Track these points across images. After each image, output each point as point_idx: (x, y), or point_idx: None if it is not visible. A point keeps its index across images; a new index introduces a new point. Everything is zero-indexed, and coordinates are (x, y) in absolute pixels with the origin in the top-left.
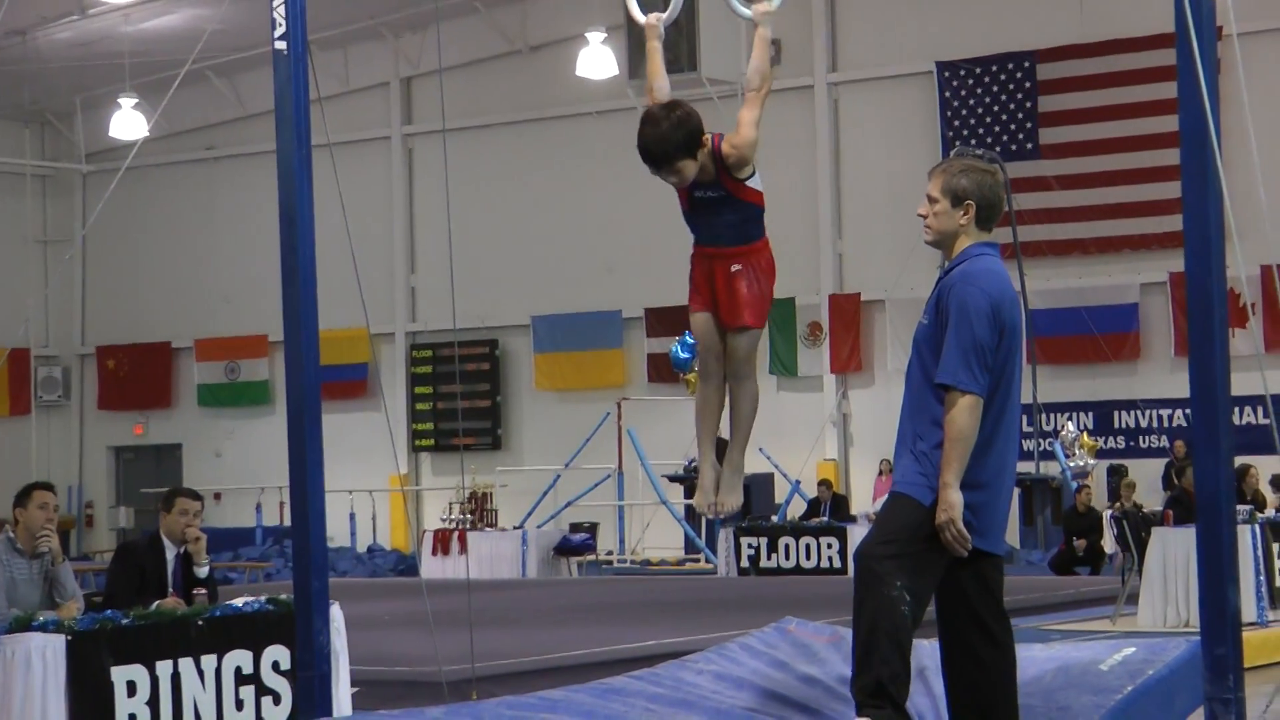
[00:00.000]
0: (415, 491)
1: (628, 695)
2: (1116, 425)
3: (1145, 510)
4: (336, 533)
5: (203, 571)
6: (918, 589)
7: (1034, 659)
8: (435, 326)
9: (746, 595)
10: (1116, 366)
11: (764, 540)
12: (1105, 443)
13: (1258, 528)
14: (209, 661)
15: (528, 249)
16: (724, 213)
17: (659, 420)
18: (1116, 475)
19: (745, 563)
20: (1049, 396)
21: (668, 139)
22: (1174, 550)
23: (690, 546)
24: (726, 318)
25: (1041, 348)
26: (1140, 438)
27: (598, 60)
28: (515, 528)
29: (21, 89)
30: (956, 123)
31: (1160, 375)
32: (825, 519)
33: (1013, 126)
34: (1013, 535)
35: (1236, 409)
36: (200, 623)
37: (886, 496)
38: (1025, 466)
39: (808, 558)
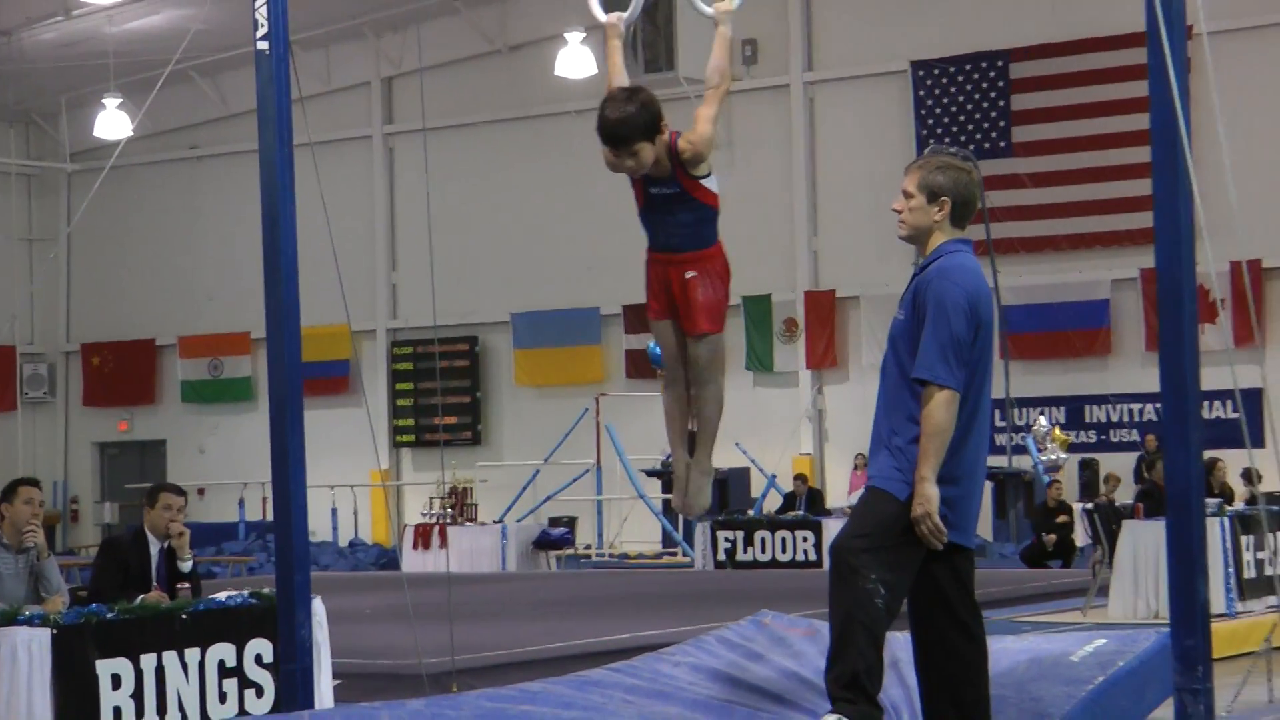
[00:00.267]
0: (396, 486)
1: (606, 687)
2: (1088, 420)
3: (1116, 503)
4: (318, 527)
5: (186, 566)
6: (893, 582)
7: (1006, 650)
8: (416, 323)
9: (723, 589)
10: (1088, 362)
11: (740, 534)
12: (1077, 437)
13: (1227, 520)
14: (193, 655)
15: (507, 246)
16: (678, 212)
17: (637, 416)
18: (1088, 469)
19: (722, 556)
20: (1021, 391)
21: (631, 120)
22: (1144, 543)
23: (668, 540)
24: (685, 325)
25: (1014, 343)
26: (1111, 432)
27: (576, 60)
28: (495, 522)
29: (7, 89)
30: (931, 121)
31: (1131, 370)
32: (801, 513)
33: (986, 125)
34: (985, 528)
35: (1206, 403)
36: (184, 616)
37: (862, 491)
38: (997, 460)
39: (783, 551)
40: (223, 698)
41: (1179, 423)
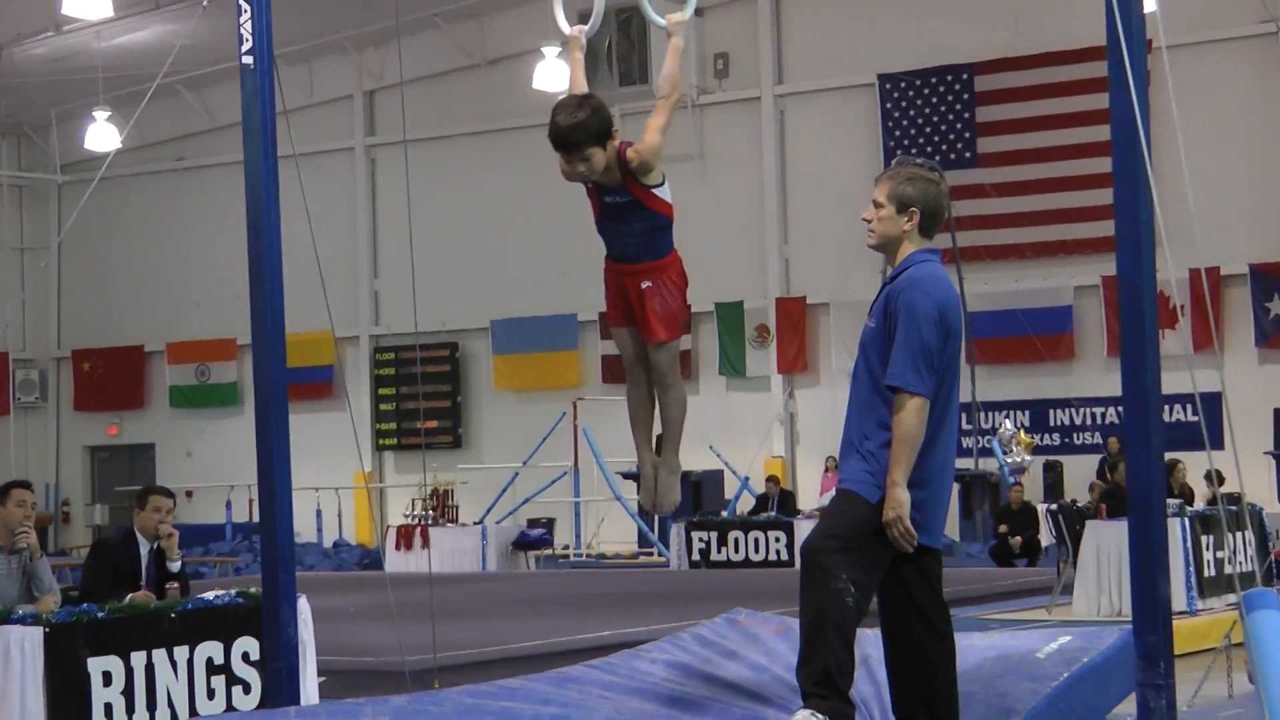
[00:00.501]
0: (379, 489)
1: (584, 684)
2: (1052, 423)
3: (1079, 504)
4: (303, 528)
5: (175, 566)
6: (862, 582)
7: (974, 647)
8: (398, 330)
9: (698, 587)
10: (1052, 366)
11: (714, 534)
12: (1041, 439)
13: (1187, 521)
14: (181, 653)
15: (487, 255)
16: (631, 221)
17: (613, 419)
18: (1052, 471)
19: (696, 556)
20: (987, 395)
21: (582, 125)
22: (1107, 542)
23: (643, 541)
24: (643, 334)
25: (979, 348)
26: (1075, 434)
27: (553, 73)
28: (475, 523)
29: None
30: (898, 133)
31: (1094, 374)
32: (773, 514)
33: (951, 136)
34: (952, 529)
35: (1166, 407)
36: (173, 615)
37: (833, 493)
38: (964, 463)
39: (756, 551)
40: (211, 694)
41: (1140, 426)
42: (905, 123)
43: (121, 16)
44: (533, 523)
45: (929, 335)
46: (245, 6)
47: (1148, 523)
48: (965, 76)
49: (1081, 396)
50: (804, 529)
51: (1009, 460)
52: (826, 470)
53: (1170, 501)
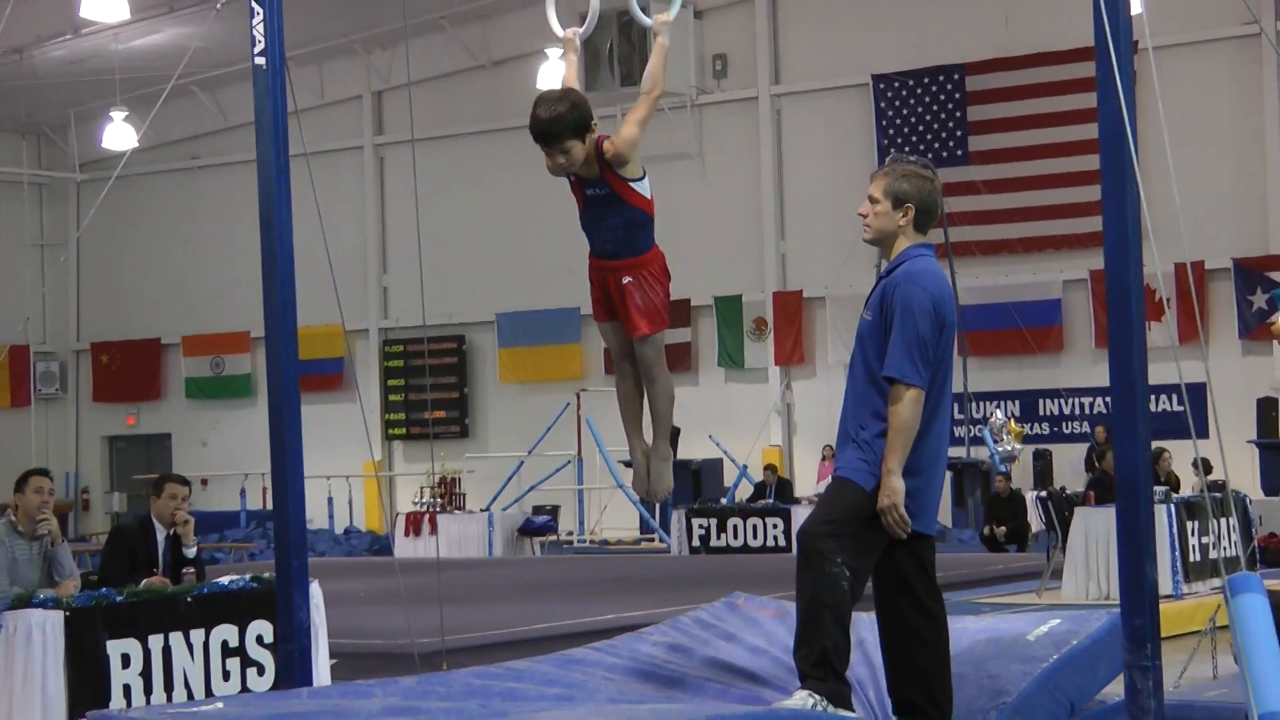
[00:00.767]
0: (388, 477)
1: (587, 665)
2: (1041, 413)
3: (1068, 491)
4: (315, 516)
5: (191, 552)
6: (857, 566)
7: (966, 630)
8: (406, 323)
9: (697, 572)
10: (1041, 358)
11: (714, 521)
12: (1031, 429)
13: (1173, 507)
14: (197, 635)
15: (492, 250)
16: (610, 215)
17: (615, 410)
18: (1041, 459)
19: (696, 542)
20: (978, 386)
21: (561, 119)
22: (1095, 528)
23: (645, 527)
24: (626, 328)
25: (971, 340)
26: (1064, 424)
27: (556, 74)
28: (482, 510)
29: (19, 103)
30: (891, 131)
31: (1082, 366)
32: (771, 501)
33: (944, 134)
34: (945, 515)
35: (1153, 397)
36: (189, 600)
37: (829, 480)
38: (956, 451)
39: (754, 537)
40: (226, 676)
41: (1127, 415)
42: (899, 121)
43: (138, 19)
44: (538, 510)
45: (924, 328)
46: (257, 9)
47: (1135, 509)
48: (957, 77)
49: (1070, 387)
50: (801, 516)
51: (1000, 449)
52: (823, 459)
53: (1157, 489)
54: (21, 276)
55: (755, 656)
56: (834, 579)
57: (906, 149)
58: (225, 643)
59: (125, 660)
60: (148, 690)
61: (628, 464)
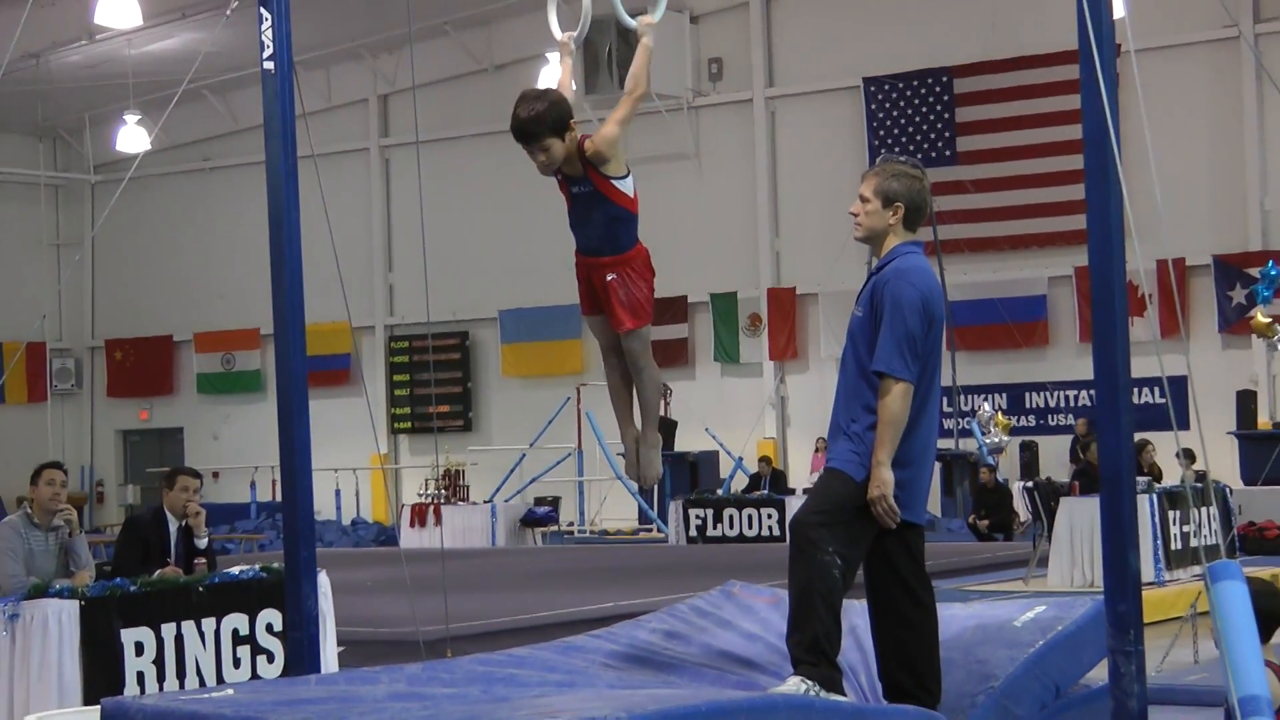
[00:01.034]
0: (394, 469)
1: (587, 652)
2: (1028, 405)
3: (1054, 482)
4: (323, 507)
5: (202, 543)
6: (848, 555)
7: (955, 617)
8: (411, 320)
9: (694, 561)
10: (1027, 352)
11: (710, 511)
12: (1018, 421)
13: (1155, 497)
14: (209, 624)
15: (494, 249)
16: (595, 212)
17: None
18: (1028, 450)
19: (693, 532)
20: (966, 379)
21: (540, 117)
22: (1080, 518)
23: (643, 517)
24: (611, 323)
25: (960, 335)
26: (1049, 416)
27: (556, 77)
28: (485, 502)
29: (35, 107)
30: (881, 132)
31: (1067, 359)
32: (765, 492)
33: (932, 135)
34: (934, 505)
35: (1135, 390)
36: (201, 589)
37: (822, 471)
38: (945, 443)
39: (749, 527)
40: (236, 663)
41: (1111, 408)
42: (889, 123)
43: (150, 25)
44: (539, 501)
45: (913, 324)
46: (266, 15)
47: (1118, 499)
48: (945, 79)
49: (1055, 380)
50: (794, 506)
51: (987, 440)
52: (816, 450)
53: (1139, 479)
54: (38, 275)
55: (750, 643)
56: (826, 567)
57: (896, 149)
58: (236, 631)
59: (139, 648)
60: (161, 677)
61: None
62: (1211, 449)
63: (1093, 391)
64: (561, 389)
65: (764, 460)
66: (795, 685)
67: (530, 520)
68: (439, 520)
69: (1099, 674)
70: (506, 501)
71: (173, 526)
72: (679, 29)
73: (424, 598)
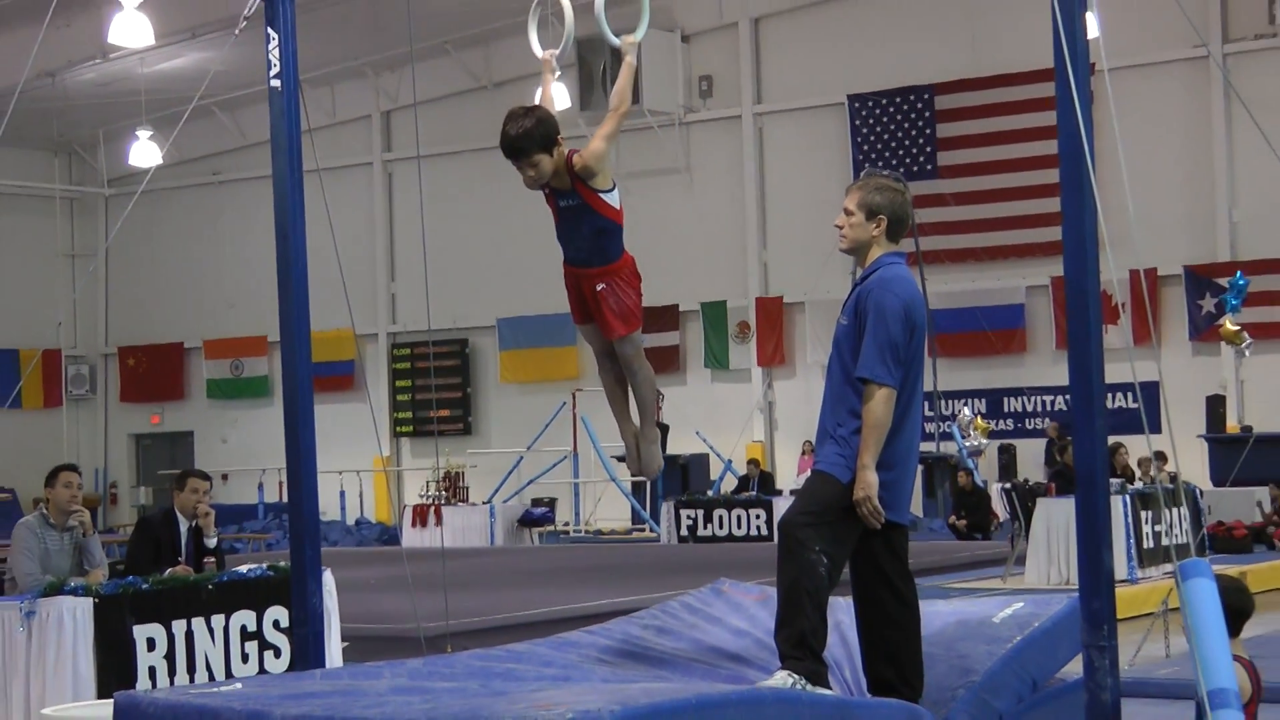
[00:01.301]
0: (396, 472)
1: (582, 647)
2: (1006, 410)
3: (1031, 483)
4: (328, 508)
5: (211, 542)
6: (834, 554)
7: (936, 613)
8: (413, 328)
9: (685, 560)
10: (1005, 358)
11: (700, 512)
12: (996, 425)
13: (1128, 498)
14: (218, 621)
15: (493, 259)
16: (582, 224)
17: (608, 408)
18: (1006, 453)
19: (684, 532)
20: (947, 385)
21: (528, 134)
22: (1056, 518)
23: (636, 518)
24: (603, 331)
25: (940, 342)
26: (1027, 420)
27: (553, 96)
28: (484, 503)
29: (51, 123)
30: (865, 147)
31: (1043, 366)
32: (754, 493)
33: (914, 150)
34: (917, 506)
35: (1109, 395)
36: (210, 587)
37: (809, 474)
38: (927, 446)
39: (739, 527)
40: (245, 658)
41: (1086, 412)
42: (872, 138)
43: (162, 44)
44: (536, 502)
45: (896, 331)
46: (273, 35)
47: (1093, 499)
48: (927, 96)
49: (1032, 386)
50: (782, 507)
51: (967, 444)
52: (803, 453)
53: (1113, 481)
54: (53, 285)
55: (739, 638)
56: (812, 566)
57: (880, 164)
58: (244, 627)
59: (151, 644)
60: (171, 672)
61: (620, 459)
62: (1182, 452)
63: (1068, 396)
64: (557, 394)
65: (752, 463)
66: (782, 679)
67: (528, 520)
68: (439, 520)
69: (1074, 668)
70: (505, 502)
71: (183, 527)
72: (671, 48)
73: (425, 595)
